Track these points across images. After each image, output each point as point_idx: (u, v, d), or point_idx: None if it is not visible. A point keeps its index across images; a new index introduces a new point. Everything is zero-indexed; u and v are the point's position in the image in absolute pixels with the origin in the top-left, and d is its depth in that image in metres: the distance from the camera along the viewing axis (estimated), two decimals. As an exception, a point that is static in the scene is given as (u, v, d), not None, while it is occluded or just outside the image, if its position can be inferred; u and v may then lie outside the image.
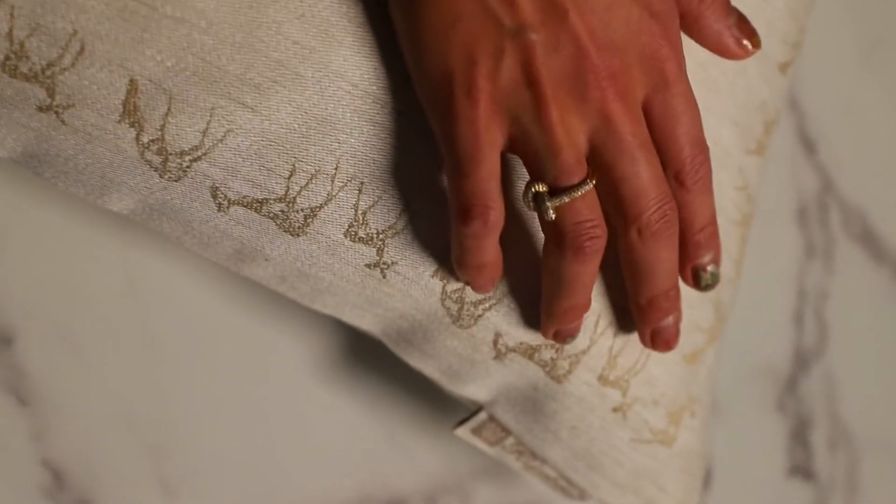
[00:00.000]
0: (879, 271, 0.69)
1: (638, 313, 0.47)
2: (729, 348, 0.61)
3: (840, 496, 0.67)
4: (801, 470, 0.66)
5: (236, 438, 0.55)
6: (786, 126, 0.66)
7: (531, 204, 0.42)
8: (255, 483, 0.56)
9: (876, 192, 0.69)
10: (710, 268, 0.47)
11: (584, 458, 0.50)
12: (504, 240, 0.44)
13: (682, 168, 0.44)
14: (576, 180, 0.41)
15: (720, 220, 0.51)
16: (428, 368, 0.49)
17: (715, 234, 0.47)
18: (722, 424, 0.64)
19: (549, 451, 0.50)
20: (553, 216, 0.42)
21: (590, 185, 0.42)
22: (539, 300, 0.46)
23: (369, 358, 0.57)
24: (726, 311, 0.53)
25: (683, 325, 0.50)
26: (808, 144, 0.67)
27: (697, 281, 0.47)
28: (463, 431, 0.51)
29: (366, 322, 0.48)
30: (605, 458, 0.50)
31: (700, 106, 0.48)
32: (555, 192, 0.42)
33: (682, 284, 0.48)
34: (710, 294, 0.51)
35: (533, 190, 0.42)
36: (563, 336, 0.47)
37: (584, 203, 0.42)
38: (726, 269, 0.52)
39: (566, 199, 0.42)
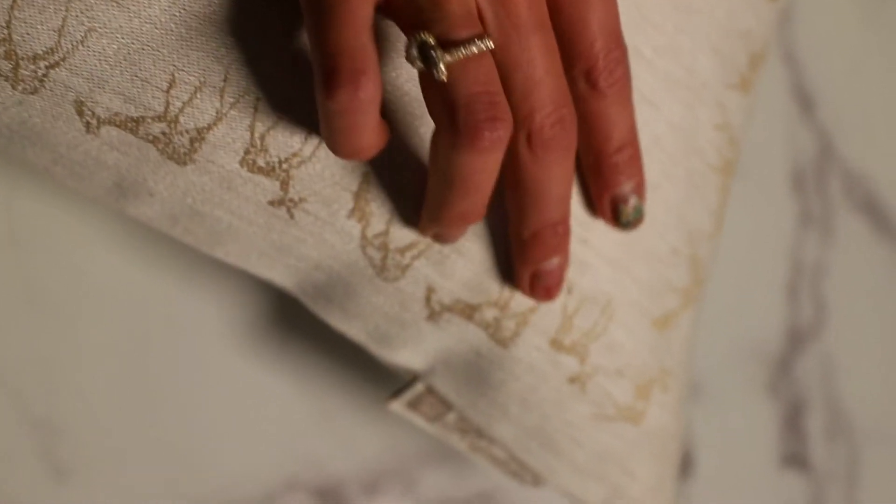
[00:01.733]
0: (883, 244, 0.67)
1: (518, 249, 0.42)
2: (715, 324, 0.60)
3: (838, 489, 0.65)
4: (795, 459, 0.65)
5: (141, 413, 0.53)
6: (780, 80, 0.64)
7: (416, 59, 0.37)
8: (165, 467, 0.53)
9: (880, 157, 0.67)
10: (632, 200, 0.43)
11: (537, 437, 0.47)
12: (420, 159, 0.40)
13: (594, 65, 0.40)
14: (467, 34, 0.36)
15: (696, 163, 0.47)
16: (352, 331, 0.46)
17: (636, 158, 0.43)
18: (707, 408, 0.62)
19: (496, 429, 0.47)
20: (444, 74, 0.36)
21: (488, 43, 0.36)
22: (479, 244, 0.43)
23: (300, 323, 0.55)
24: (704, 270, 0.49)
25: (652, 284, 0.46)
26: (805, 101, 0.65)
27: (617, 215, 0.43)
28: (398, 405, 0.48)
29: (276, 274, 0.45)
30: (561, 437, 0.47)
31: (671, 27, 0.48)
32: (444, 45, 0.36)
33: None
34: (685, 249, 0.47)
35: (418, 39, 0.36)
36: (445, 240, 0.42)
37: (481, 68, 0.36)
38: (704, 221, 0.48)
39: (459, 55, 0.36)
